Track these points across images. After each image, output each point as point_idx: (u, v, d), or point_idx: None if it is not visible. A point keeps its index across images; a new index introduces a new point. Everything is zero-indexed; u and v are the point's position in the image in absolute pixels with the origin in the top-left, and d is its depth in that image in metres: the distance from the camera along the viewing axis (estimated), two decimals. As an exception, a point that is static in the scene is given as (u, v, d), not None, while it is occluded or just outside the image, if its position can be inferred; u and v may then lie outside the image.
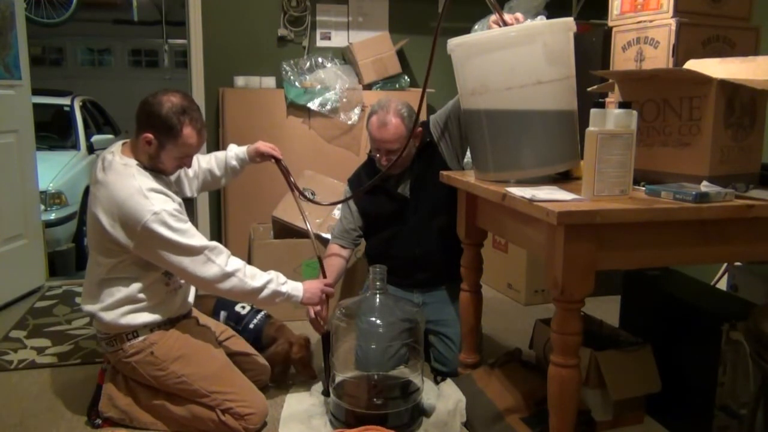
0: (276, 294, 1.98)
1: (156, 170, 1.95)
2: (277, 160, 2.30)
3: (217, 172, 2.29)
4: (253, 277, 1.94)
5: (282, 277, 2.02)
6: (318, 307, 2.13)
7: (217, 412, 1.92)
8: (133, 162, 1.90)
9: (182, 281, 2.04)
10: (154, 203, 1.82)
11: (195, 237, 1.87)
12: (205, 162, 2.28)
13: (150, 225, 1.80)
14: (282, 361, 2.30)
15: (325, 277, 2.20)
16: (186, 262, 1.86)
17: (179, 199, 1.98)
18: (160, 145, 1.88)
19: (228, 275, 1.89)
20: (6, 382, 2.33)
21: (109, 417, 2.00)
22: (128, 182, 1.84)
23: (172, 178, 2.11)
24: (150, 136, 1.87)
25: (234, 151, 2.30)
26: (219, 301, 2.46)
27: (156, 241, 1.82)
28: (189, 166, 2.03)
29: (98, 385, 2.08)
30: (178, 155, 1.93)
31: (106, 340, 1.97)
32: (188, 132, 1.89)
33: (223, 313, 2.44)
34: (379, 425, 1.87)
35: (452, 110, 2.31)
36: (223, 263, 1.89)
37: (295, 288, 2.03)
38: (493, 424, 1.93)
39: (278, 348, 2.31)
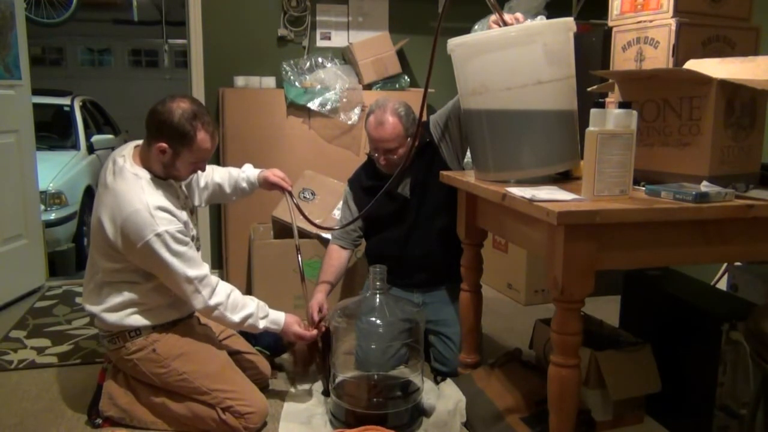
0: (254, 328, 2.03)
1: (170, 177, 1.96)
2: (285, 191, 2.30)
3: (227, 190, 2.29)
4: (234, 309, 1.96)
5: (264, 309, 2.04)
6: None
7: (218, 410, 1.93)
8: (144, 174, 1.90)
9: None
10: (159, 223, 1.82)
11: (189, 262, 1.88)
12: (219, 176, 2.29)
13: (151, 244, 1.81)
14: (309, 355, 2.29)
15: (303, 279, 2.20)
16: (177, 285, 1.89)
17: (185, 217, 1.97)
18: (174, 153, 1.88)
19: (210, 309, 1.93)
20: (6, 382, 2.33)
21: (110, 416, 2.00)
22: (136, 196, 1.84)
23: (184, 182, 2.12)
24: (164, 145, 1.86)
25: (246, 173, 2.30)
26: None
27: (154, 259, 1.84)
28: (203, 170, 2.03)
29: (98, 385, 2.08)
30: (193, 161, 1.93)
31: (108, 338, 1.97)
32: (202, 137, 1.89)
33: None
34: (379, 425, 1.87)
35: (452, 110, 2.31)
36: (207, 296, 1.91)
37: (274, 321, 2.05)
38: (493, 424, 1.93)
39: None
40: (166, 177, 1.95)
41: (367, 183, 2.43)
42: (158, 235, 1.81)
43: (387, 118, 2.24)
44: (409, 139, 2.27)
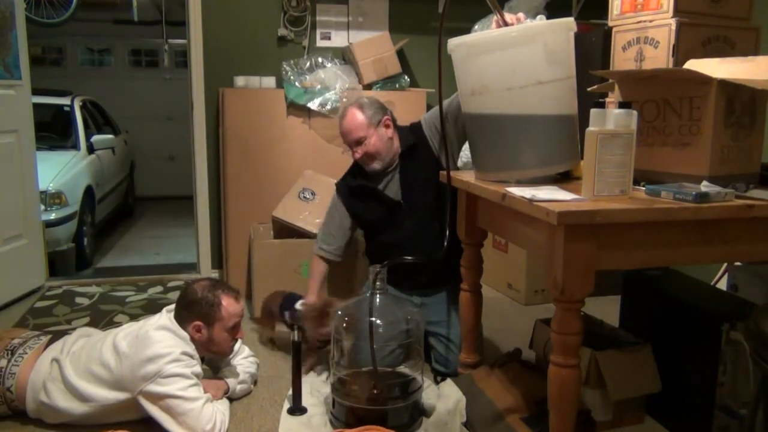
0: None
1: (212, 354, 2.12)
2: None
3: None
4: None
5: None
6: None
7: None
8: (185, 335, 2.01)
9: None
10: (179, 357, 1.91)
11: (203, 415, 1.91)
12: None
13: (161, 380, 1.87)
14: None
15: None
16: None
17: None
18: (208, 326, 2.03)
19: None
20: (6, 382, 2.32)
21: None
22: (167, 339, 1.95)
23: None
24: (198, 323, 2.02)
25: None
26: (285, 300, 2.52)
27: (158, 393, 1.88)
28: (241, 336, 2.15)
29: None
30: (226, 326, 2.06)
31: None
32: (227, 301, 2.06)
33: (286, 313, 2.49)
34: (379, 425, 1.87)
35: (448, 110, 2.30)
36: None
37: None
38: (493, 424, 1.93)
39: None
40: (207, 356, 2.11)
41: (354, 183, 2.44)
42: (176, 360, 1.90)
43: (348, 111, 2.34)
44: (379, 128, 2.30)
